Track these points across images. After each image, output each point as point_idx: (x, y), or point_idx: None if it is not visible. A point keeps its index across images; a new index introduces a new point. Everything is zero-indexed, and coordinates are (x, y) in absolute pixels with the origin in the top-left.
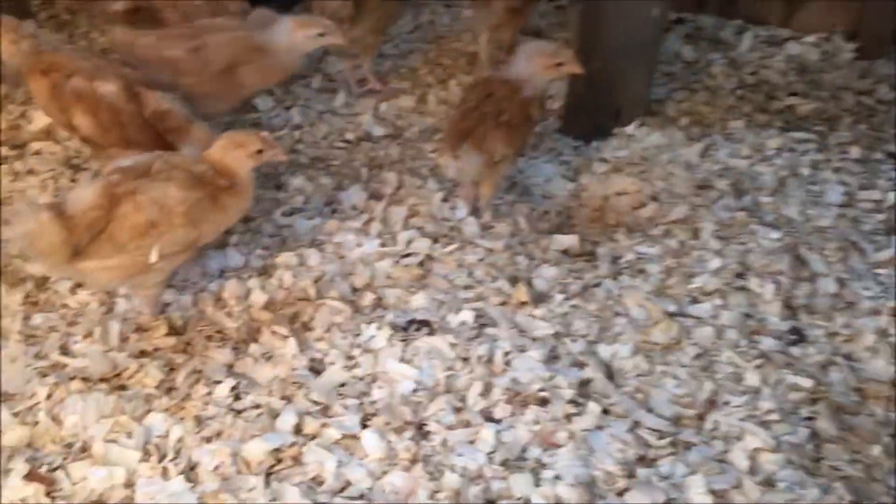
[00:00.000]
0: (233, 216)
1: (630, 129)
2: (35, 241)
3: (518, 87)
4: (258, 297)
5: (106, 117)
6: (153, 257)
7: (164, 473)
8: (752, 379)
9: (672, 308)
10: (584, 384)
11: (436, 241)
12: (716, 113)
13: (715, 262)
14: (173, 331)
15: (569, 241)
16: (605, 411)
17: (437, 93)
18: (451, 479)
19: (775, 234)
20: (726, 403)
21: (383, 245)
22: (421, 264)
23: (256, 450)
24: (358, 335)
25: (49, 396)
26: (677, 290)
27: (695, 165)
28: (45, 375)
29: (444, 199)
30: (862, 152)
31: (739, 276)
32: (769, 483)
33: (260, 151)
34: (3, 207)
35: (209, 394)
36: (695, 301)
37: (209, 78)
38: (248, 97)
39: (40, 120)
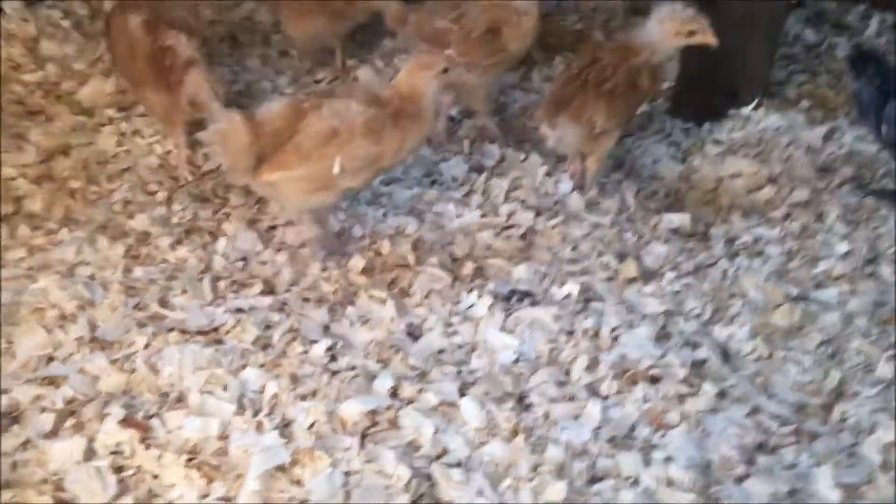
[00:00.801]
0: (413, 139)
1: (746, 110)
2: (225, 140)
3: (630, 54)
4: (356, 262)
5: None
6: (336, 168)
7: (259, 428)
8: (884, 370)
9: (795, 292)
10: (697, 365)
11: (538, 214)
12: (840, 97)
13: (842, 247)
14: (269, 290)
15: (680, 219)
16: (722, 394)
17: (542, 69)
18: (554, 453)
19: None
20: (856, 394)
21: (484, 216)
22: (523, 237)
23: (352, 410)
24: (458, 303)
25: (147, 346)
26: (800, 273)
27: (817, 149)
28: (143, 325)
29: (548, 174)
30: None
31: (870, 262)
32: None
33: (445, 71)
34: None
35: (305, 352)
36: (820, 286)
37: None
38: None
39: None
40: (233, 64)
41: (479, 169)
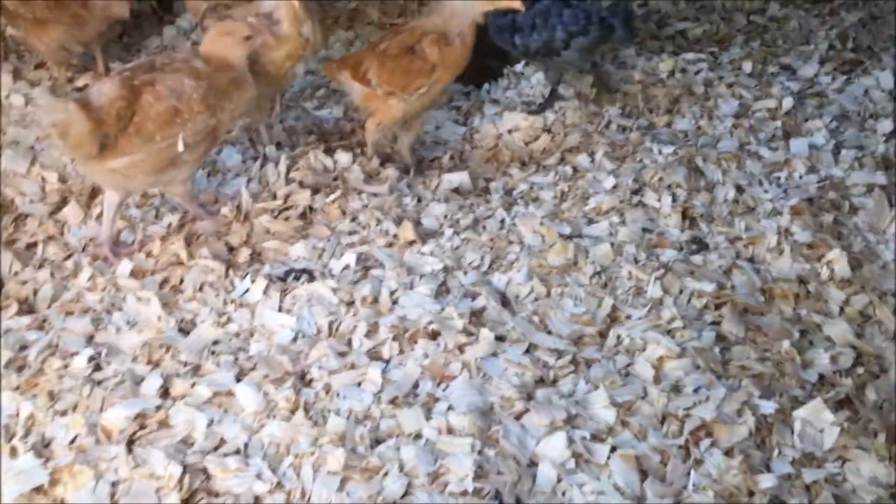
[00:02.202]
0: (242, 104)
1: (518, 67)
2: (65, 132)
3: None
4: (124, 267)
5: None
6: (180, 145)
7: (13, 452)
8: (653, 291)
9: (567, 231)
10: (476, 314)
11: (316, 191)
12: (606, 44)
13: (609, 182)
14: (27, 309)
15: (459, 178)
16: (500, 338)
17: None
18: (335, 423)
19: (669, 149)
20: (628, 317)
21: (261, 202)
22: (302, 216)
23: (116, 417)
24: (231, 291)
25: None
26: (573, 213)
27: (586, 95)
28: None
29: (326, 151)
30: (755, 66)
31: (635, 192)
32: (676, 389)
33: (248, 37)
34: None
35: (65, 367)
36: (591, 222)
37: None
38: None
39: None
40: None
41: (254, 157)
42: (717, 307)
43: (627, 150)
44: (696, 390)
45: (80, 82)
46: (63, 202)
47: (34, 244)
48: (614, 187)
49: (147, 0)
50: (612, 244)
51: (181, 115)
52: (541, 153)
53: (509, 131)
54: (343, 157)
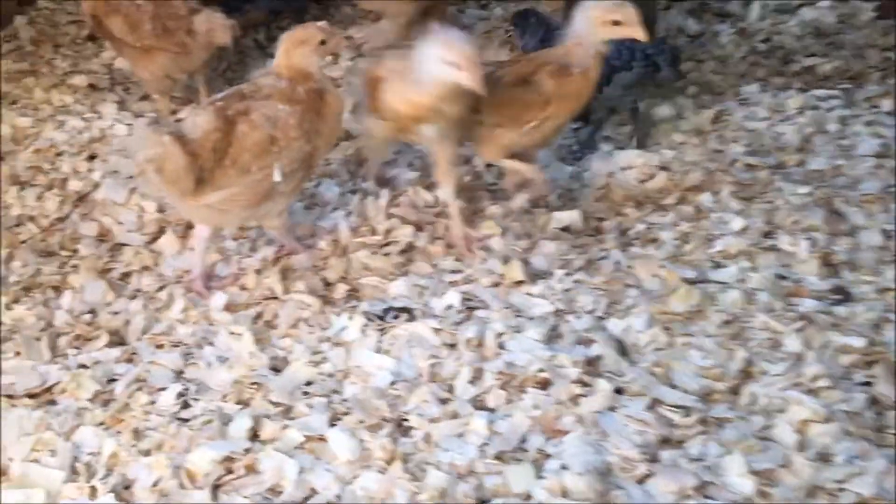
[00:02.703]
0: (336, 122)
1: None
2: (161, 167)
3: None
4: (217, 300)
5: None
6: (277, 176)
7: (92, 493)
8: (792, 344)
9: (691, 275)
10: (591, 362)
11: (419, 228)
12: (727, 80)
13: (737, 223)
14: (117, 341)
15: (570, 217)
16: (619, 390)
17: None
18: (435, 478)
19: (803, 189)
20: (764, 373)
21: (360, 237)
22: (402, 252)
23: (202, 459)
24: (327, 328)
25: None
26: (696, 255)
27: (707, 132)
28: None
29: (427, 187)
30: (894, 105)
31: (767, 235)
32: (824, 458)
33: (323, 42)
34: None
35: (152, 403)
36: (718, 266)
37: None
38: None
39: None
40: (86, 111)
41: (353, 190)
42: (868, 365)
43: (756, 190)
44: (848, 460)
45: (182, 114)
46: (160, 232)
47: (128, 274)
48: (743, 229)
49: (252, 34)
50: (743, 291)
51: (277, 144)
52: (657, 192)
53: (622, 169)
54: (444, 193)
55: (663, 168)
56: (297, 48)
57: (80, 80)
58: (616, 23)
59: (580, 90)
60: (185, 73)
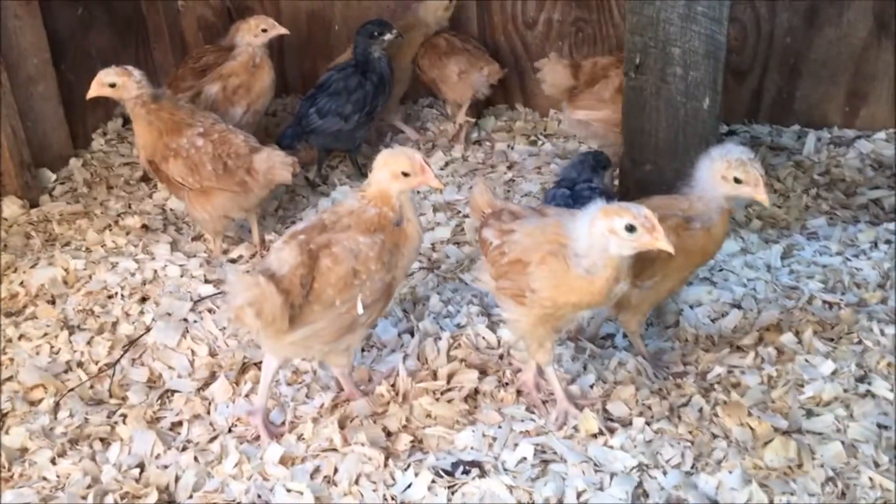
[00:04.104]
0: (412, 254)
1: None
2: (261, 308)
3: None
4: (273, 452)
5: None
6: (360, 308)
7: None
8: None
9: (784, 424)
10: None
11: (483, 372)
12: (791, 213)
13: (826, 366)
14: (167, 499)
15: (642, 359)
16: None
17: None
18: None
19: (892, 330)
20: None
21: (421, 381)
22: (467, 399)
23: None
24: (392, 485)
25: None
26: (786, 402)
27: (777, 267)
28: None
29: (490, 326)
30: None
31: (861, 380)
32: None
33: (406, 174)
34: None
35: None
36: (811, 414)
37: None
38: None
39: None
40: (138, 252)
41: (410, 331)
42: None
43: (841, 330)
44: None
45: (234, 254)
46: (211, 378)
47: (179, 423)
48: (834, 373)
49: (303, 173)
50: (843, 443)
51: (359, 276)
52: (731, 331)
53: (691, 306)
54: (507, 333)
55: (735, 306)
56: (381, 168)
57: (132, 222)
58: (737, 181)
59: (704, 246)
60: (243, 213)
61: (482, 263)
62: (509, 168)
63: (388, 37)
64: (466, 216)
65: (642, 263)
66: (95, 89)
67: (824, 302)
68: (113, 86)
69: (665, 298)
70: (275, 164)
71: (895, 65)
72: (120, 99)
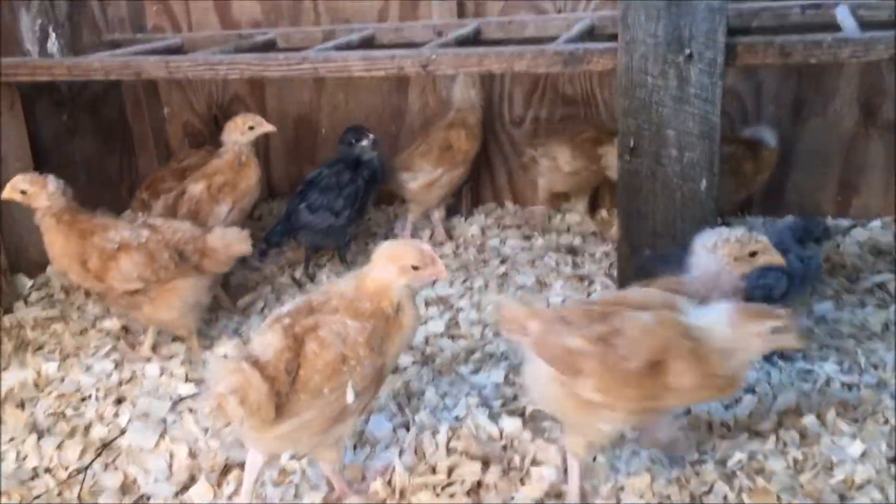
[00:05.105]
0: (405, 341)
1: None
2: (245, 396)
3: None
4: None
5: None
6: (350, 396)
7: None
8: None
9: None
10: None
11: (486, 464)
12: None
13: (855, 448)
14: None
15: (656, 449)
16: None
17: (469, 314)
18: None
19: None
20: None
21: (420, 476)
22: (469, 493)
23: None
24: None
25: None
26: (817, 486)
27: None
28: None
29: (490, 416)
30: None
31: (893, 461)
32: None
33: (415, 268)
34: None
35: None
36: (844, 498)
37: None
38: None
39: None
40: (116, 353)
41: (405, 425)
42: None
43: (865, 410)
44: None
45: (220, 352)
46: (191, 481)
47: None
48: (863, 454)
49: (290, 272)
50: None
51: (348, 362)
52: (748, 417)
53: None
54: (510, 424)
55: (750, 391)
56: (387, 263)
57: (111, 324)
58: (754, 254)
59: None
60: (208, 297)
61: (569, 381)
62: (502, 262)
63: (364, 143)
64: (460, 310)
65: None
66: (7, 192)
67: (842, 384)
68: (24, 192)
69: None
70: (230, 240)
71: (884, 153)
72: (29, 207)
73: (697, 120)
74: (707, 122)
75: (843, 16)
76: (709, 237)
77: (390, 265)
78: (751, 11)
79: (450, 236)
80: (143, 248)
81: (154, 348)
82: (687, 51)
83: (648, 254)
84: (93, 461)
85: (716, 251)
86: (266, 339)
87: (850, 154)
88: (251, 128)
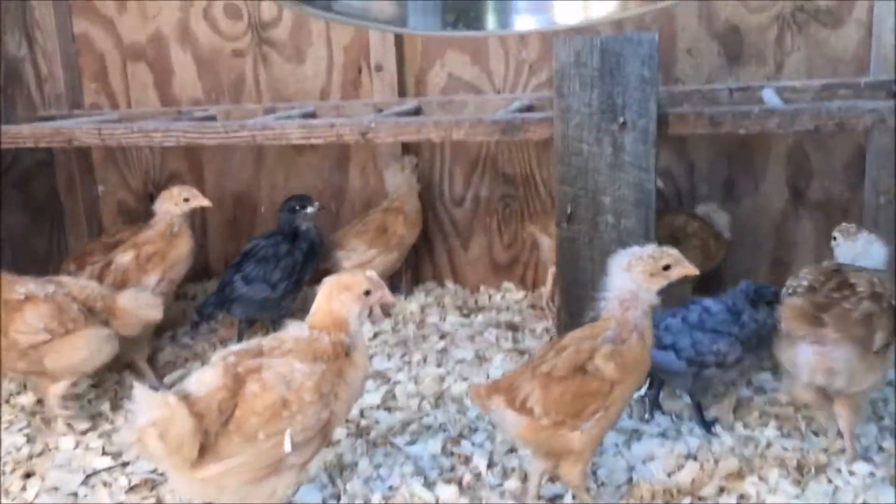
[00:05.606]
0: (357, 386)
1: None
2: (166, 431)
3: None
4: None
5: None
6: (287, 445)
7: None
8: None
9: None
10: None
11: None
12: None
13: None
14: None
15: None
16: None
17: (407, 386)
18: None
19: (865, 468)
20: None
21: None
22: None
23: None
24: None
25: None
26: None
27: (728, 419)
28: None
29: (426, 486)
30: None
31: None
32: None
33: (367, 293)
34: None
35: None
36: None
37: None
38: None
39: None
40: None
41: (337, 496)
42: None
43: (808, 472)
44: None
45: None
46: None
47: None
48: None
49: (222, 346)
50: None
51: (290, 407)
52: (690, 483)
53: (643, 462)
54: (446, 491)
55: (691, 457)
56: (339, 294)
57: (26, 400)
58: (667, 267)
59: (642, 356)
60: (107, 359)
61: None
62: (441, 338)
63: (310, 210)
64: (397, 383)
65: (583, 398)
66: None
67: (783, 447)
68: None
69: (608, 430)
70: (142, 304)
71: (814, 232)
72: None
73: (632, 188)
74: (642, 189)
75: (769, 96)
76: (622, 256)
77: (343, 294)
78: (682, 93)
79: (388, 314)
80: (51, 300)
81: (69, 423)
82: (621, 119)
83: (588, 321)
84: None
85: (630, 269)
86: (204, 375)
87: (782, 233)
88: (186, 199)
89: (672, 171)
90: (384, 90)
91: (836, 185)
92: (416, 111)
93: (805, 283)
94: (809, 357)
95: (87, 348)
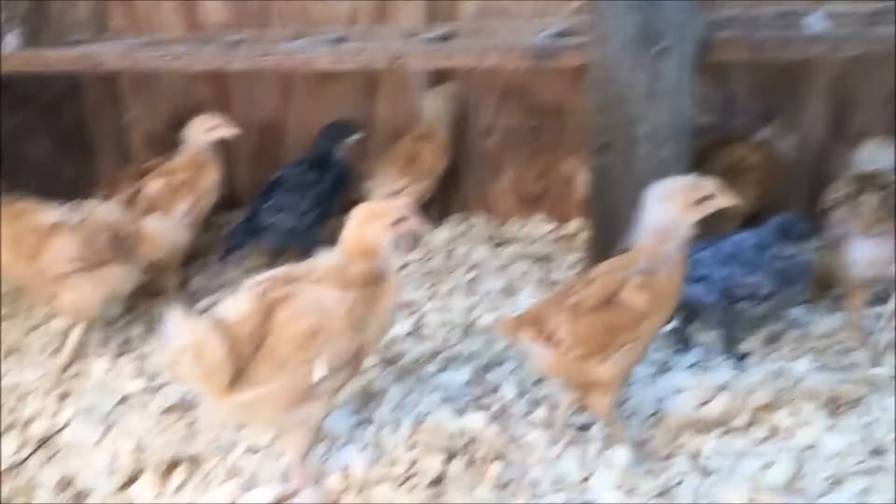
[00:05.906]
0: (388, 314)
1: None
2: (200, 354)
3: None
4: None
5: None
6: (318, 372)
7: None
8: None
9: (799, 500)
10: None
11: (450, 456)
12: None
13: (836, 441)
14: None
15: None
16: None
17: (436, 316)
18: None
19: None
20: None
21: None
22: (433, 484)
23: None
24: None
25: None
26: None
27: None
28: None
29: (458, 411)
30: None
31: (875, 453)
32: None
33: (399, 221)
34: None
35: None
36: (825, 494)
37: None
38: None
39: None
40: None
41: (367, 420)
42: None
43: (841, 406)
44: None
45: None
46: (135, 476)
47: None
48: (843, 450)
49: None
50: None
51: (322, 335)
52: (719, 414)
53: (673, 393)
54: (474, 419)
55: (722, 388)
56: (371, 221)
57: (59, 324)
58: (706, 199)
59: (672, 291)
60: (125, 292)
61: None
62: (470, 269)
63: (355, 137)
64: (427, 313)
65: (612, 330)
66: None
67: (817, 381)
68: None
69: (637, 363)
70: (168, 228)
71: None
72: None
73: (670, 116)
74: (681, 118)
75: (815, 21)
76: (661, 187)
77: (375, 222)
78: (723, 19)
79: (417, 244)
80: (81, 229)
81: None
82: (660, 45)
83: (620, 251)
84: (30, 455)
85: (667, 200)
86: (235, 302)
87: (820, 166)
88: (214, 128)
89: (711, 101)
90: (413, 15)
91: (880, 118)
92: (447, 36)
93: (842, 193)
94: (867, 252)
95: (100, 286)
